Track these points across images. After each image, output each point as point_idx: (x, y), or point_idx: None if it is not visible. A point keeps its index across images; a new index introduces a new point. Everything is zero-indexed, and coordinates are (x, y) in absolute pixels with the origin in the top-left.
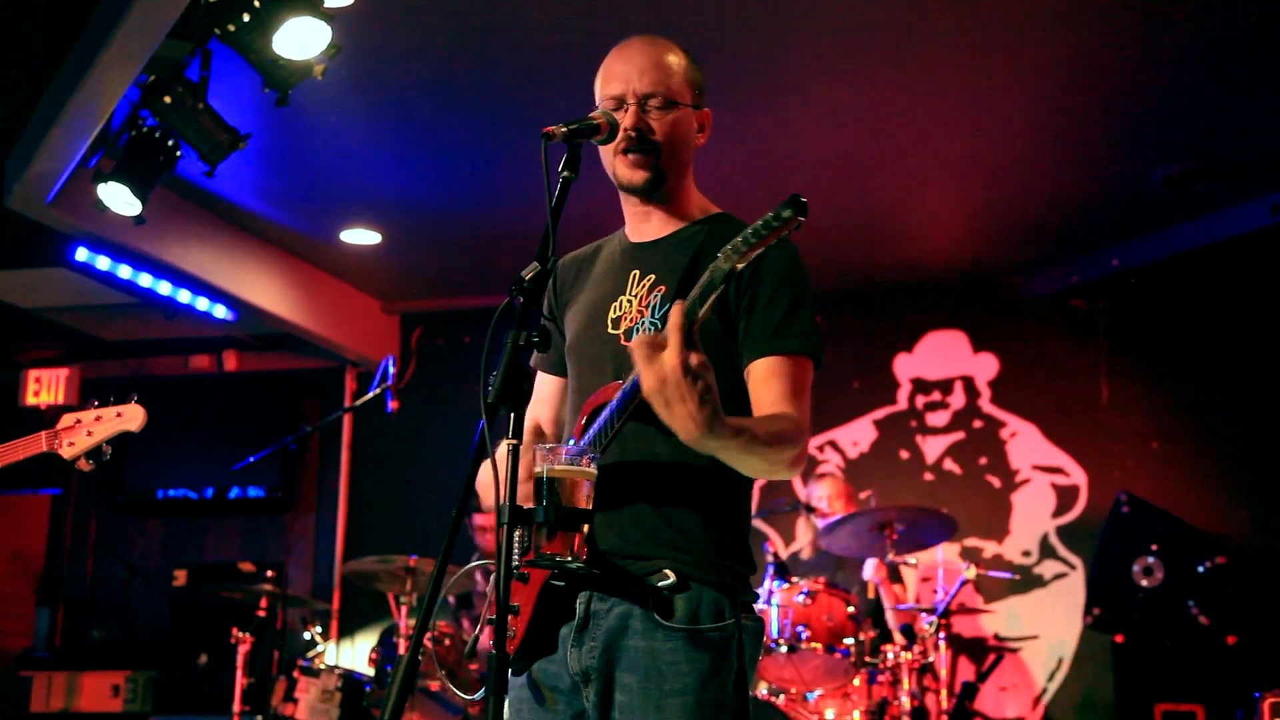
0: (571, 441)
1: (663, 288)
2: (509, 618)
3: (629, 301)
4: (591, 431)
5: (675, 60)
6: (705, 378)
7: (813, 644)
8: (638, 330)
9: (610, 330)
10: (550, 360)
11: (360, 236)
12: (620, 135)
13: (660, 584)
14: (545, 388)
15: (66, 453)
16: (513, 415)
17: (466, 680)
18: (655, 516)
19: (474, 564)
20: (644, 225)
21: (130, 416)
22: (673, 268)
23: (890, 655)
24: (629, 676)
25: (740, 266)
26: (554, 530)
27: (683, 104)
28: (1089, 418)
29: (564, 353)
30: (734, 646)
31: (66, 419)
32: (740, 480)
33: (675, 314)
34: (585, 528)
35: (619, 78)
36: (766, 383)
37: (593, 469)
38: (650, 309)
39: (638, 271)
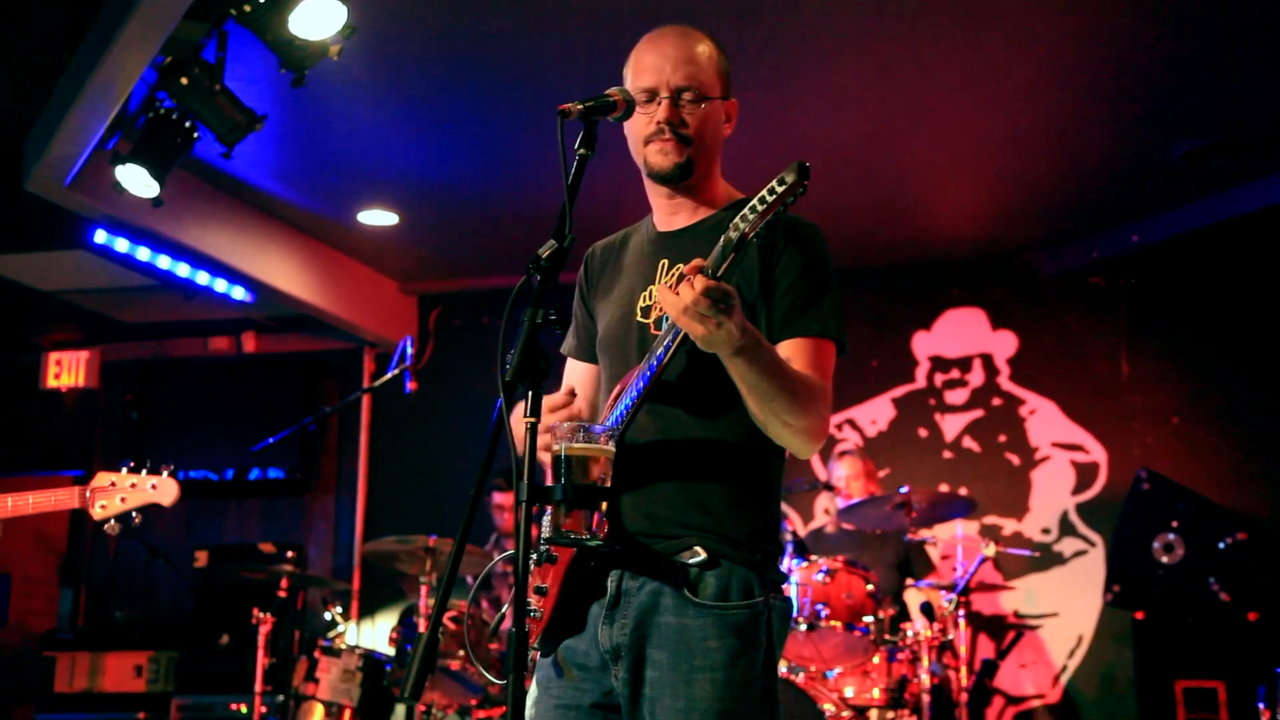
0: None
1: None
2: (537, 598)
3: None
4: (617, 412)
5: (705, 51)
6: (731, 297)
7: (832, 622)
8: (667, 319)
9: (640, 319)
10: (582, 348)
11: (378, 217)
12: (653, 126)
13: (691, 561)
14: (578, 373)
15: (97, 514)
16: (530, 394)
17: (486, 660)
18: (685, 497)
19: (500, 556)
20: (670, 214)
21: (164, 491)
22: (701, 256)
23: (910, 633)
24: (659, 652)
25: (751, 235)
26: (571, 508)
27: (714, 97)
28: (1109, 394)
29: (595, 342)
30: (763, 624)
31: (101, 478)
32: (771, 461)
33: (695, 262)
34: (604, 505)
35: (652, 70)
36: (794, 363)
37: (610, 447)
38: None
39: (667, 261)
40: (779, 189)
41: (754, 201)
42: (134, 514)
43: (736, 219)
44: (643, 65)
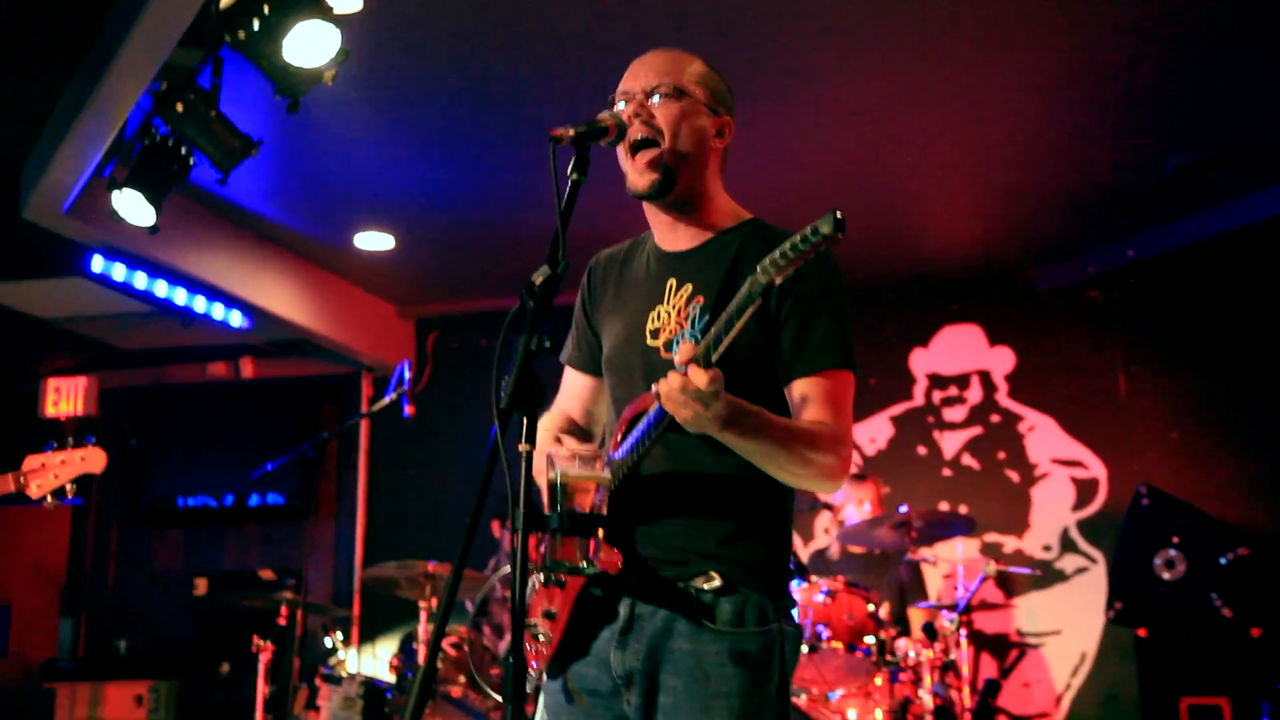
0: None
1: (700, 299)
2: (545, 622)
3: (667, 313)
4: (629, 441)
5: (690, 63)
6: (717, 383)
7: (834, 643)
8: (678, 341)
9: (649, 341)
10: (582, 358)
11: (374, 241)
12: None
13: (707, 587)
14: (576, 384)
15: (34, 492)
16: (525, 420)
17: (489, 685)
18: (699, 526)
19: (495, 576)
20: (673, 234)
21: (93, 460)
22: (710, 278)
23: (912, 653)
24: (674, 679)
25: (778, 281)
26: (567, 535)
27: (692, 97)
28: (1107, 410)
29: (597, 356)
30: (777, 651)
31: (31, 461)
32: (783, 489)
33: (687, 349)
34: (600, 532)
35: (630, 76)
36: (806, 402)
37: (605, 473)
38: (690, 320)
39: (674, 281)
40: (813, 239)
41: (785, 249)
42: (68, 486)
43: (766, 263)
44: (625, 75)
